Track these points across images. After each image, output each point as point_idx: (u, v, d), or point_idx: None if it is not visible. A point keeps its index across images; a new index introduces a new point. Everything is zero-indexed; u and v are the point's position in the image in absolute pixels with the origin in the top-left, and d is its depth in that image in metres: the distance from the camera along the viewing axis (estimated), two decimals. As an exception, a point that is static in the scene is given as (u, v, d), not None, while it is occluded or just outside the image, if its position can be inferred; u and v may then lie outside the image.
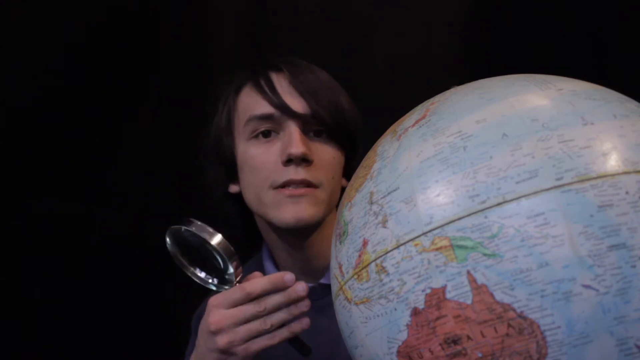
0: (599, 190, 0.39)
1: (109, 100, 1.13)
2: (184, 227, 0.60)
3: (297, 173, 0.70)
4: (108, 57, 1.13)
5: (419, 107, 0.51)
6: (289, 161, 0.70)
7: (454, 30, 1.16)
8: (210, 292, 0.64)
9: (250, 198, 0.75)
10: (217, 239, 0.59)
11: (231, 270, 0.60)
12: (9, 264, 1.07)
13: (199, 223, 0.60)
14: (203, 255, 0.61)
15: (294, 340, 0.63)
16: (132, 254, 1.14)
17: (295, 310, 0.59)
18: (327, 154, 0.74)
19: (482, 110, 0.45)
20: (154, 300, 1.14)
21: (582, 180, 0.39)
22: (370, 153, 0.52)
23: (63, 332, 1.11)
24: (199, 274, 0.64)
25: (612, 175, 0.39)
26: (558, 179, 0.39)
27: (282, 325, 0.60)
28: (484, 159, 0.42)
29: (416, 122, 0.48)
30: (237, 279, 0.61)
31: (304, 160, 0.71)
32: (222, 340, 0.59)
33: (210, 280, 0.63)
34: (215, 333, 0.60)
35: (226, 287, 0.62)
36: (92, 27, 1.11)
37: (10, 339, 1.07)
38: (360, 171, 0.51)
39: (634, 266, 0.38)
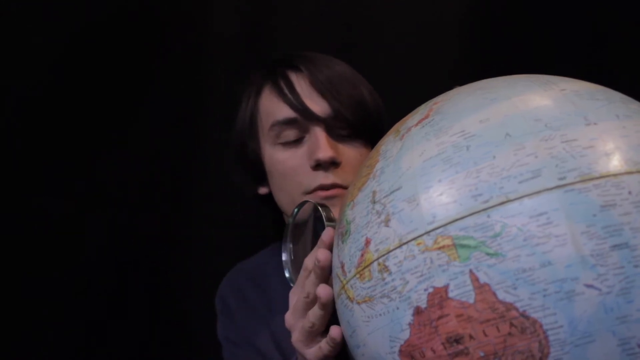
0: (602, 190, 0.39)
1: (107, 99, 1.13)
2: (319, 206, 0.60)
3: (327, 177, 0.70)
4: (107, 57, 1.13)
5: (422, 106, 0.51)
6: (318, 166, 0.70)
7: (456, 29, 1.16)
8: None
9: (283, 202, 0.75)
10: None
11: None
12: (7, 263, 1.07)
13: (332, 214, 0.60)
14: (299, 243, 0.63)
15: None
16: (129, 253, 1.14)
17: (323, 308, 0.54)
18: (353, 154, 0.73)
19: (485, 110, 0.45)
20: (153, 300, 1.14)
21: (584, 180, 0.39)
22: (373, 152, 0.52)
23: (62, 332, 1.10)
24: (290, 253, 0.64)
25: (615, 175, 0.40)
26: (561, 179, 0.39)
27: (326, 331, 0.55)
28: (487, 158, 0.42)
29: (419, 121, 0.48)
30: None
31: (332, 164, 0.70)
32: (293, 337, 0.57)
33: (289, 267, 0.64)
34: (290, 329, 0.58)
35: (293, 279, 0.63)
36: (91, 25, 1.11)
37: (10, 339, 1.07)
38: (363, 170, 0.51)
39: (636, 266, 0.38)
